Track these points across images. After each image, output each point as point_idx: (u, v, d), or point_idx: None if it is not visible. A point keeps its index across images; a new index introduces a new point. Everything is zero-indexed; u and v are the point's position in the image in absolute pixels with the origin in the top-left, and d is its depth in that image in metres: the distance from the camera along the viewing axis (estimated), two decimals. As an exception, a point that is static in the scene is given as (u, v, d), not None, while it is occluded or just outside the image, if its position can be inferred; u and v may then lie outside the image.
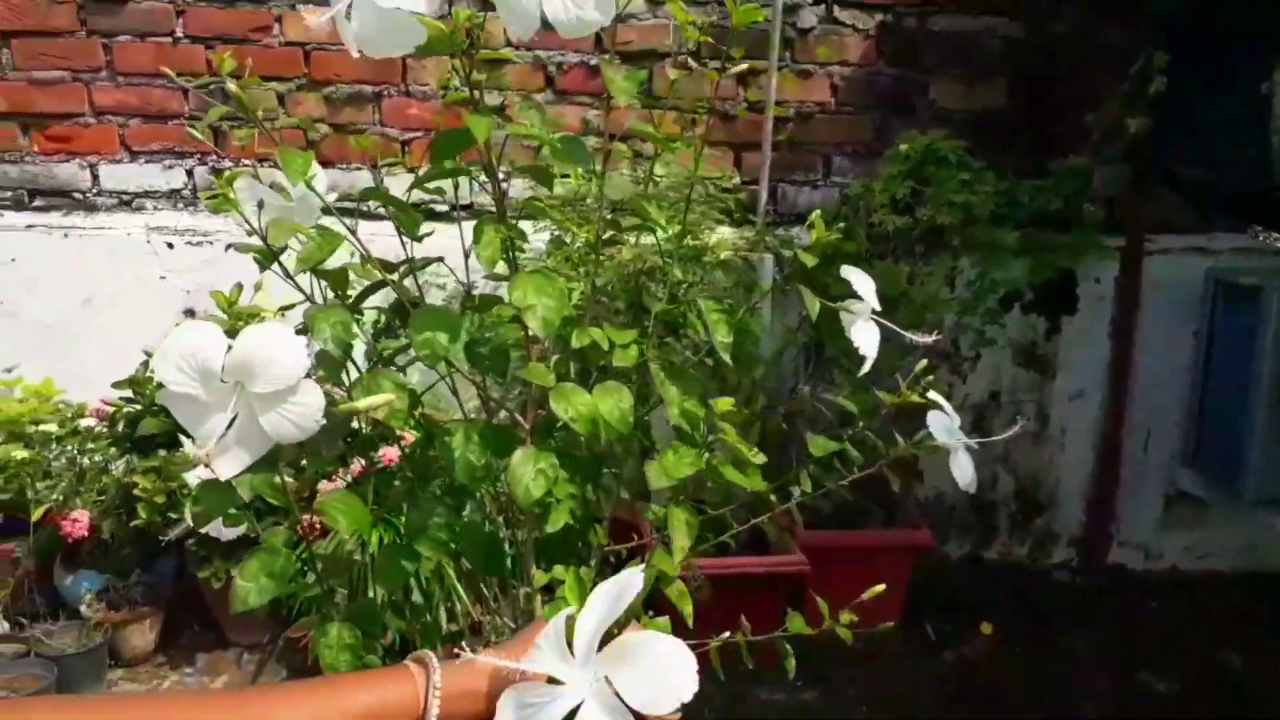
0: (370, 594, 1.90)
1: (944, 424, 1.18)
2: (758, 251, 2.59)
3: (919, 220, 2.56)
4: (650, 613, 0.95)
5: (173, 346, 0.77)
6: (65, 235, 2.75)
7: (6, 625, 2.35)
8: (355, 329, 0.98)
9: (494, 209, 1.02)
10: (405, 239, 1.09)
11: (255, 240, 1.01)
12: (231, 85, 0.96)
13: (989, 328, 2.68)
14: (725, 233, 2.58)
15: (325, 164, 2.82)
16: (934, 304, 2.53)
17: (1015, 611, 2.72)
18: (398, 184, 2.76)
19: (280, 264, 1.03)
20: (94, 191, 2.81)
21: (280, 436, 0.79)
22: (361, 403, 0.86)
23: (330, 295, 1.09)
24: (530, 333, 0.98)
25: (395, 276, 1.03)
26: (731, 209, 2.59)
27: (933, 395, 1.21)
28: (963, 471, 1.18)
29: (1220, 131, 2.62)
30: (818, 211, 1.08)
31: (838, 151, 2.88)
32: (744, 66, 1.22)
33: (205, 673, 2.38)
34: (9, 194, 2.80)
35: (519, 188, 2.74)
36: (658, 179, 2.39)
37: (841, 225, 1.21)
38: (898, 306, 2.47)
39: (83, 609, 2.34)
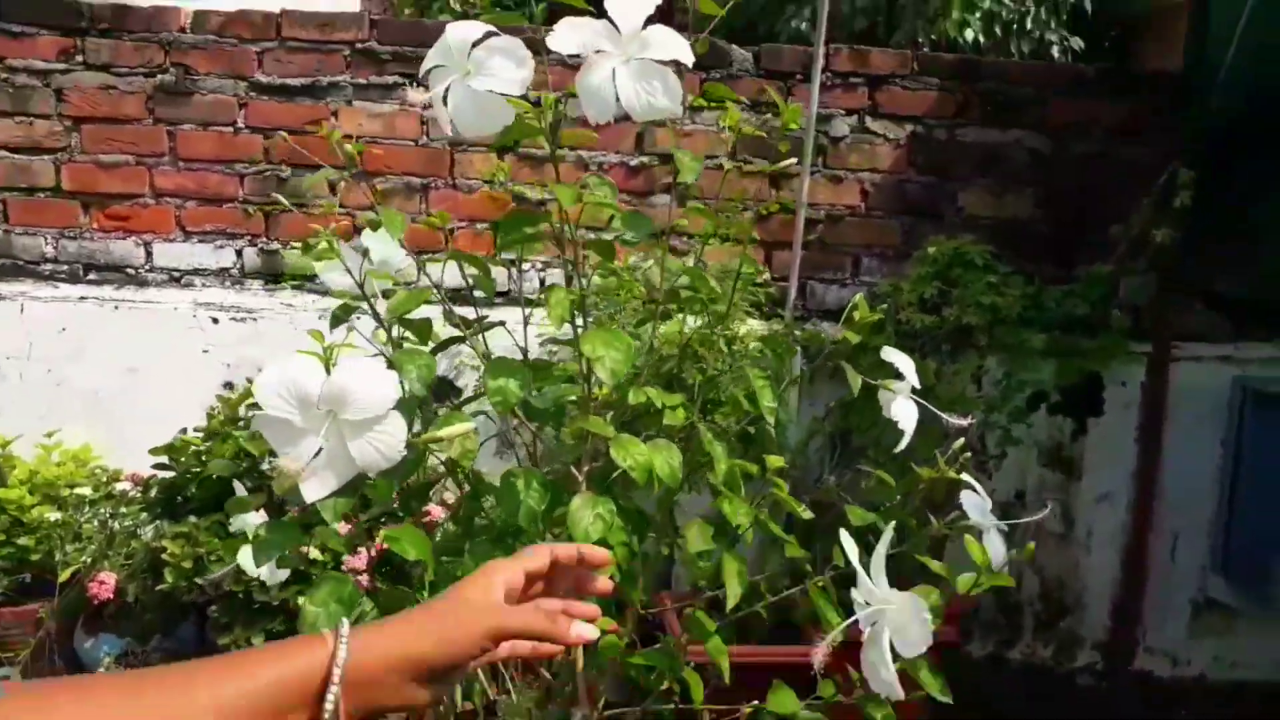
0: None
1: (977, 504, 1.21)
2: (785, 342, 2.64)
3: (946, 320, 2.62)
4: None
5: (275, 375, 0.81)
6: (115, 307, 2.84)
7: (25, 687, 2.34)
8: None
9: (525, 296, 1.10)
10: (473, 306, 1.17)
11: (342, 297, 1.08)
12: (348, 147, 1.06)
13: (1015, 427, 2.70)
14: (754, 325, 2.64)
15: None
16: (960, 401, 2.56)
17: (1039, 715, 2.65)
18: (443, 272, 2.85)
19: (356, 319, 1.11)
20: (146, 268, 2.92)
21: (366, 464, 0.84)
22: (444, 430, 0.91)
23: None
24: (592, 387, 1.03)
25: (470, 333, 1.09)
26: (761, 303, 2.66)
27: (966, 477, 1.24)
28: (995, 552, 1.19)
29: (1247, 244, 2.68)
30: (860, 295, 1.14)
31: (866, 253, 2.96)
32: (792, 161, 1.31)
33: (219, 745, 2.35)
34: (65, 267, 2.91)
35: (557, 277, 2.83)
36: (703, 262, 2.49)
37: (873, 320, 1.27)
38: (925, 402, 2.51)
39: (100, 673, 2.33)
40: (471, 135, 0.93)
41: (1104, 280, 2.77)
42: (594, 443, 1.09)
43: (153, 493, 2.48)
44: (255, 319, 2.86)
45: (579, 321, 1.11)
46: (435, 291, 1.17)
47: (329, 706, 0.64)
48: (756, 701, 1.13)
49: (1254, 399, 2.77)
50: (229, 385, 2.81)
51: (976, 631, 2.91)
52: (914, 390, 1.18)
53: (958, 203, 2.95)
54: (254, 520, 1.20)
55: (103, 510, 2.48)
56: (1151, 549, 2.86)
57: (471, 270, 1.21)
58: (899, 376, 1.15)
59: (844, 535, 1.04)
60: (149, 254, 2.92)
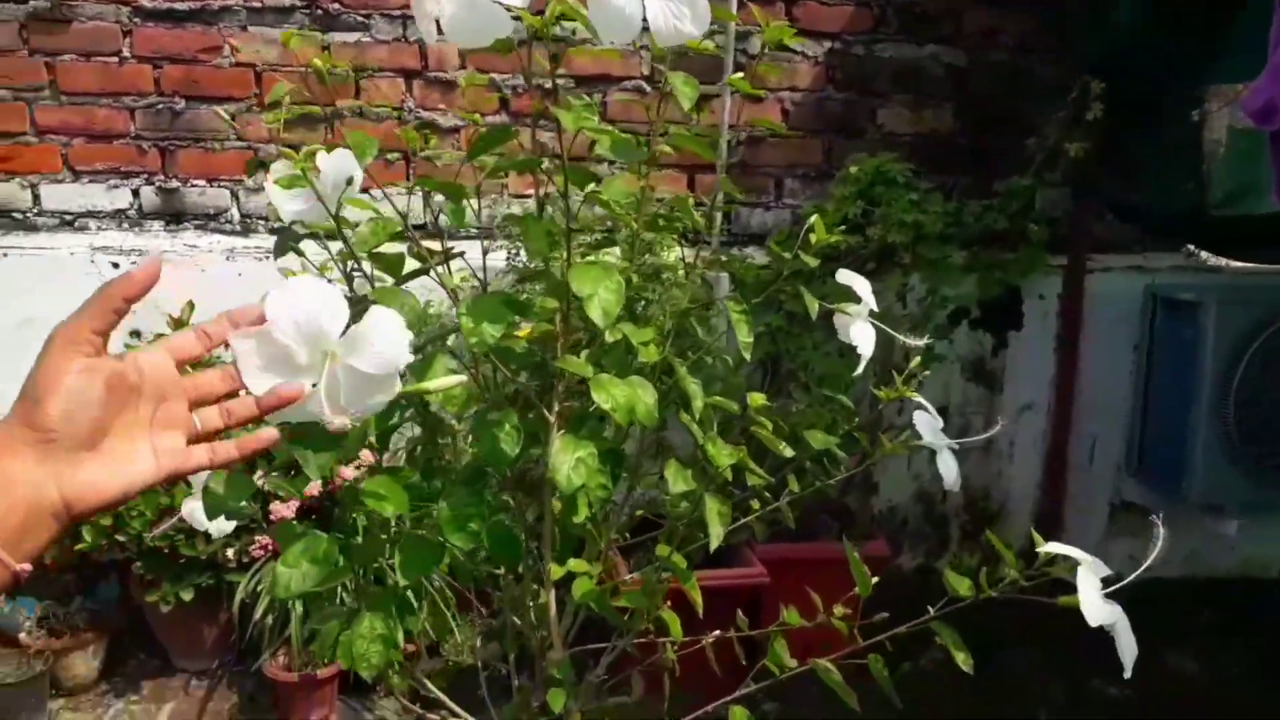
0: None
1: (929, 424, 1.21)
2: (714, 269, 2.62)
3: (870, 239, 2.62)
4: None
5: (292, 300, 0.71)
6: (4, 255, 2.67)
7: (-61, 658, 2.25)
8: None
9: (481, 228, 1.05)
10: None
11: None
12: (316, 62, 0.98)
13: (938, 343, 2.74)
14: (680, 252, 2.61)
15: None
16: (886, 319, 2.58)
17: (968, 622, 2.75)
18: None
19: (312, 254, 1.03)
20: (35, 211, 2.74)
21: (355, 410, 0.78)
22: (432, 383, 0.86)
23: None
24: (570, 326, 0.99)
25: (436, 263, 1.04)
26: (687, 230, 2.63)
27: (917, 397, 1.24)
28: (948, 470, 1.20)
29: (1156, 157, 2.73)
30: (816, 216, 1.11)
31: (789, 174, 2.93)
32: (718, 83, 1.27)
33: (151, 700, 2.30)
34: (-55, 214, 2.72)
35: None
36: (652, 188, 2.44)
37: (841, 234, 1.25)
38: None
39: (22, 637, 2.24)
40: (465, 45, 0.87)
41: (1021, 194, 2.80)
42: (567, 382, 1.05)
43: (61, 449, 2.37)
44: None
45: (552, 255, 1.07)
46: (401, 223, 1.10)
47: None
48: (717, 632, 1.13)
49: (1163, 305, 2.86)
50: (136, 334, 2.67)
51: (906, 544, 2.99)
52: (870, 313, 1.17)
53: (877, 119, 2.93)
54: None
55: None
56: (1071, 455, 2.95)
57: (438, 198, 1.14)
58: (854, 299, 1.14)
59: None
60: (36, 196, 2.74)
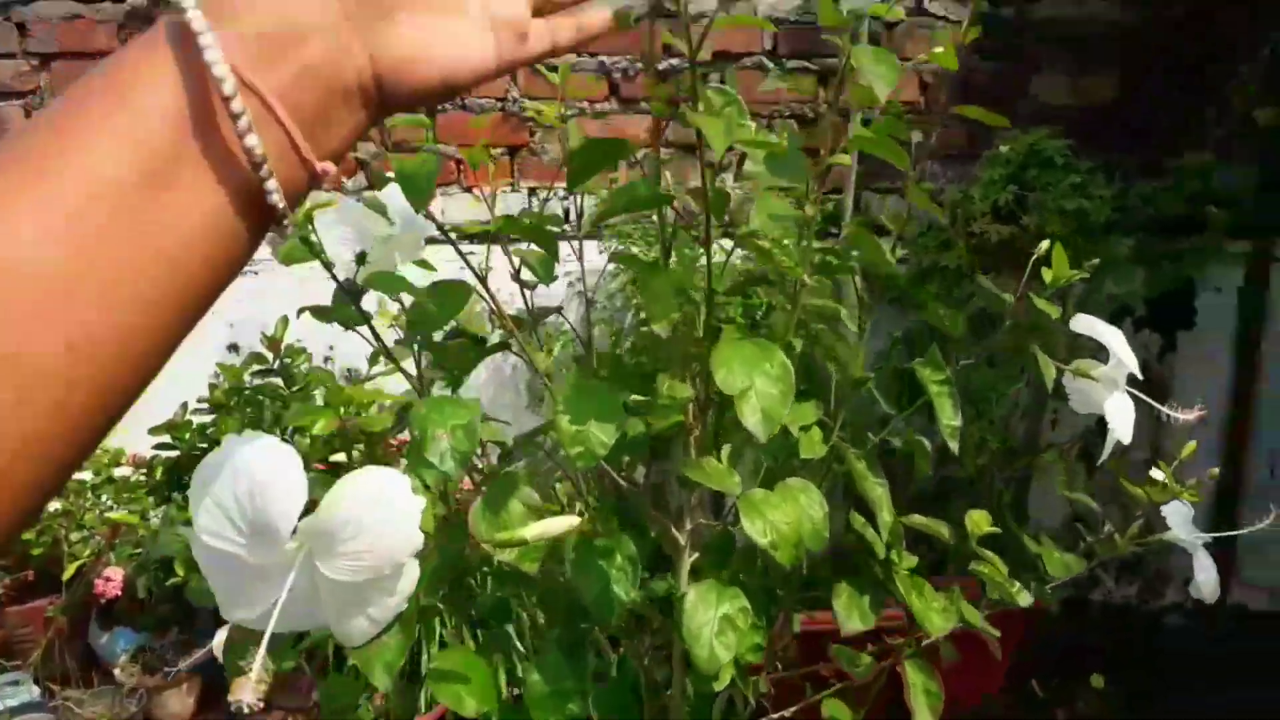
0: None
1: (1182, 514, 0.99)
2: (843, 273, 2.35)
3: (1025, 229, 2.31)
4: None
5: (222, 479, 0.46)
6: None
7: (37, 690, 2.18)
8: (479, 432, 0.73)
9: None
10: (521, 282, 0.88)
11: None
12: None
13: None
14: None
15: (372, 188, 2.61)
16: (1046, 323, 2.28)
17: (1126, 661, 2.46)
18: (454, 206, 2.54)
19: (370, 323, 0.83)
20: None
21: (348, 638, 0.55)
22: (531, 530, 0.63)
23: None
24: (698, 418, 0.77)
25: (518, 334, 0.81)
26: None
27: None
28: (1206, 576, 0.96)
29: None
30: (1052, 244, 0.87)
31: (928, 155, 2.62)
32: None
33: (250, 741, 2.19)
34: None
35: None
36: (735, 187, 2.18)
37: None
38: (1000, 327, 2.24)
39: (117, 674, 2.16)
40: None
41: (1199, 173, 2.44)
42: (702, 493, 0.82)
43: (157, 475, 2.26)
44: (257, 272, 2.56)
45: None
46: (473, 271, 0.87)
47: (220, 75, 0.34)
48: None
49: (1366, 301, 2.48)
50: (234, 348, 2.55)
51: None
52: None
53: (1030, 91, 2.60)
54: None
55: (104, 497, 2.26)
56: (1248, 472, 2.61)
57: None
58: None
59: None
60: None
